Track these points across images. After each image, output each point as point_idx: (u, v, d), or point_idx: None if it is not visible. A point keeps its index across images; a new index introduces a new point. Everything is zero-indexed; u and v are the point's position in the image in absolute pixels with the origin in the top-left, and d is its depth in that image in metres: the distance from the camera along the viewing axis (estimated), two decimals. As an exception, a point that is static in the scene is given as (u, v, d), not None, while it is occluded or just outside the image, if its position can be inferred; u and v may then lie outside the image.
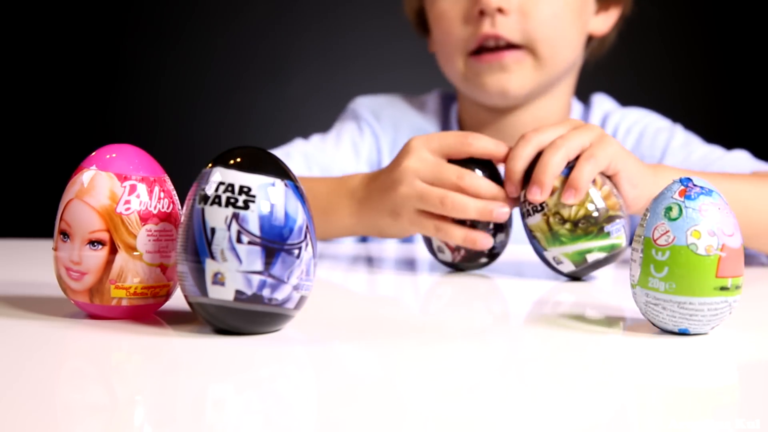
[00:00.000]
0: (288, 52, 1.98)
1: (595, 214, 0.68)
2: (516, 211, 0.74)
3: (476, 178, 0.71)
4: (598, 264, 0.69)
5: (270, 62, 1.97)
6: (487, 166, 0.73)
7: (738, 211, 0.77)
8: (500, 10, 0.91)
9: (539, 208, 0.69)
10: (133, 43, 1.95)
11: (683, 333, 0.50)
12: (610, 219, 0.68)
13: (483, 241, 0.72)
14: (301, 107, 1.97)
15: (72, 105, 1.94)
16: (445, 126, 1.07)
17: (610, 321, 0.56)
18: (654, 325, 0.51)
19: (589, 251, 0.68)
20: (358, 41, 1.97)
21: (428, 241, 0.76)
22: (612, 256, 0.69)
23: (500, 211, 0.70)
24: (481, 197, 0.71)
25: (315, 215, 0.80)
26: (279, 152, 1.00)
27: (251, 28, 1.97)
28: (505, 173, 0.71)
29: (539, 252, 0.71)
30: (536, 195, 0.68)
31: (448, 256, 0.74)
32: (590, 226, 0.68)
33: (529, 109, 0.99)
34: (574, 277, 0.71)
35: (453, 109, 1.07)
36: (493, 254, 0.74)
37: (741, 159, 0.96)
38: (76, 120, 1.93)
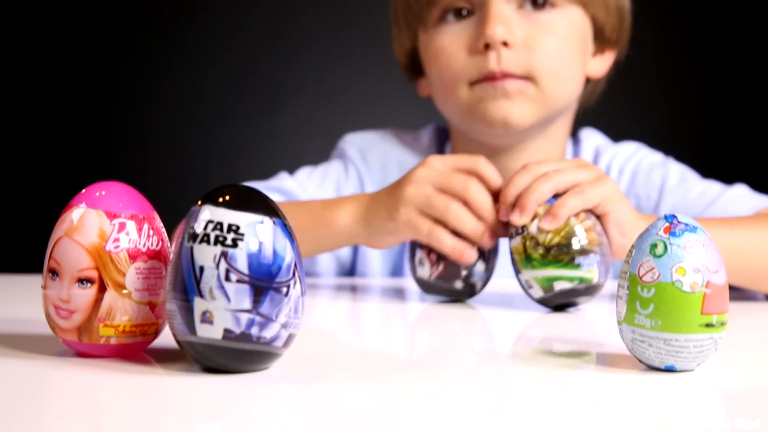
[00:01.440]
0: (279, 84, 1.99)
1: (570, 244, 0.70)
2: (502, 244, 0.75)
3: (481, 190, 0.75)
4: (566, 294, 0.71)
5: (261, 95, 1.98)
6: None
7: (739, 257, 0.78)
8: (505, 44, 0.91)
9: (521, 231, 0.71)
10: (123, 77, 1.96)
11: (670, 370, 0.50)
12: (584, 252, 0.70)
13: (469, 254, 0.75)
14: (292, 139, 1.97)
15: (62, 139, 1.94)
16: None
17: (597, 357, 0.56)
18: (641, 361, 0.51)
19: (556, 279, 0.70)
20: (349, 74, 1.99)
21: (412, 252, 0.78)
22: (582, 289, 0.70)
23: (468, 252, 0.75)
24: (480, 212, 0.74)
25: (310, 222, 0.82)
26: (260, 185, 1.00)
27: (242, 61, 1.98)
28: (500, 196, 0.74)
29: (516, 274, 0.73)
30: (515, 216, 0.71)
31: (426, 270, 0.76)
32: (561, 254, 0.70)
33: (526, 149, 0.99)
34: (546, 305, 0.73)
35: (447, 145, 1.07)
36: (469, 283, 0.76)
37: (741, 196, 0.95)
38: (65, 154, 1.94)
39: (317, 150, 1.97)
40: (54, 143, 1.94)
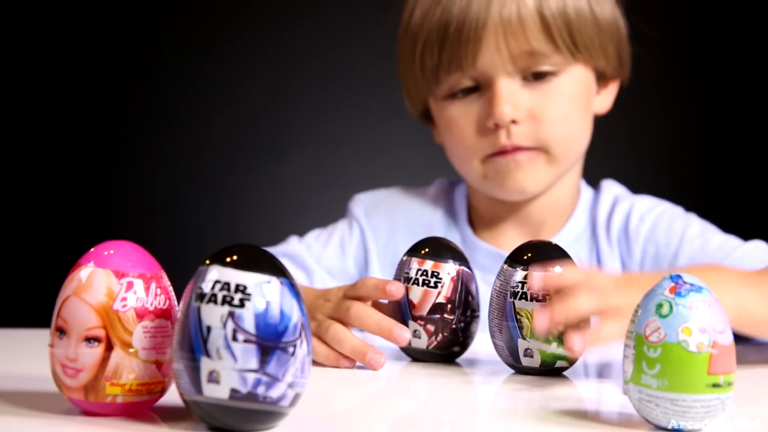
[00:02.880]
0: (283, 132, 2.00)
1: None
2: (484, 294, 0.73)
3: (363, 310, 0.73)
4: (556, 371, 0.69)
5: (264, 145, 1.99)
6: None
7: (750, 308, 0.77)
8: (513, 121, 0.94)
9: (541, 298, 0.67)
10: (126, 132, 1.97)
11: (677, 430, 0.50)
12: None
13: (398, 332, 0.71)
14: (297, 189, 1.98)
15: (67, 194, 1.95)
16: (451, 215, 1.07)
17: (604, 417, 0.56)
18: (648, 421, 0.51)
19: (561, 358, 0.67)
20: (354, 121, 2.00)
21: (402, 324, 0.73)
22: (569, 366, 0.69)
23: (372, 357, 0.70)
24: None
25: None
26: (269, 251, 1.02)
27: (245, 111, 2.00)
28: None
29: (512, 338, 0.68)
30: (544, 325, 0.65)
31: (423, 342, 0.73)
32: None
33: (541, 196, 1.01)
34: (529, 373, 0.69)
35: (459, 197, 1.08)
36: (465, 343, 0.74)
37: (759, 249, 0.96)
38: (72, 208, 1.94)
39: (322, 199, 1.98)
40: (60, 198, 1.95)
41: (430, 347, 0.73)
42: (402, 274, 0.74)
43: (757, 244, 0.97)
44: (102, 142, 1.97)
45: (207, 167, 1.99)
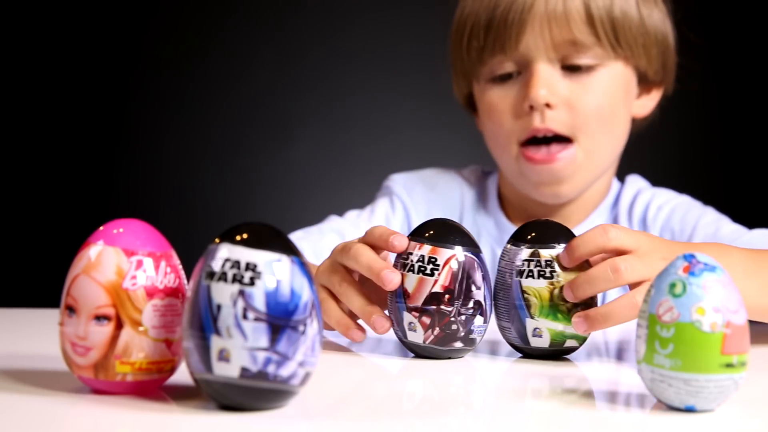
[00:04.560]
0: (292, 114, 2.00)
1: (595, 303, 0.65)
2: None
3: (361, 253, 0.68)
4: (566, 351, 0.67)
5: (273, 124, 1.99)
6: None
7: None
8: (548, 105, 0.95)
9: (548, 274, 0.65)
10: (135, 112, 1.97)
11: (690, 410, 0.49)
12: None
13: (377, 319, 0.67)
14: (306, 170, 1.98)
15: (76, 173, 1.95)
16: (482, 200, 1.09)
17: (615, 397, 0.55)
18: (660, 401, 0.50)
19: (571, 336, 0.66)
20: (362, 103, 1.99)
21: (397, 314, 0.67)
22: (579, 347, 0.67)
23: (378, 320, 0.66)
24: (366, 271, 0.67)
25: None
26: (314, 230, 1.02)
27: (254, 90, 1.99)
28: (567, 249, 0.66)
29: (520, 317, 0.66)
30: (565, 261, 0.65)
31: (419, 335, 0.66)
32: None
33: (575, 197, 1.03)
34: (535, 355, 0.67)
35: (491, 184, 1.10)
36: (468, 339, 0.66)
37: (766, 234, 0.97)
38: (80, 187, 1.95)
39: (330, 180, 1.98)
40: (69, 178, 1.95)
41: (427, 342, 0.66)
42: (399, 260, 0.67)
43: (765, 231, 0.98)
44: (110, 124, 1.97)
45: (215, 149, 1.99)
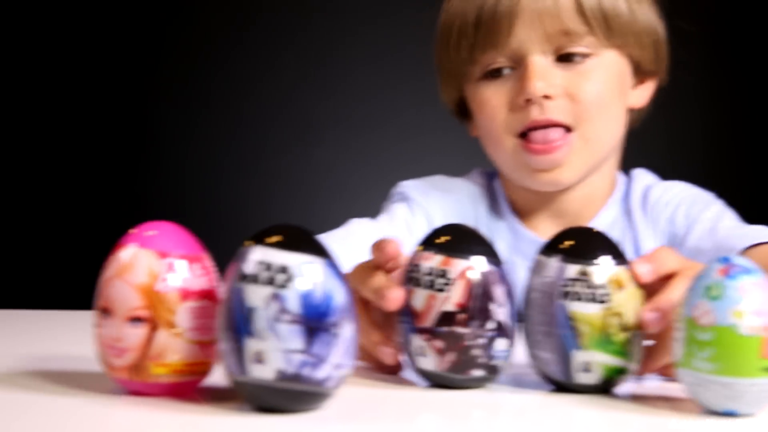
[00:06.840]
0: (316, 115, 2.00)
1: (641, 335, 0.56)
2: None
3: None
4: (611, 386, 0.56)
5: (296, 127, 1.99)
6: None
7: None
8: (546, 97, 0.93)
9: (601, 299, 0.55)
10: (161, 115, 1.99)
11: (730, 414, 0.49)
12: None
13: (384, 353, 0.60)
14: (330, 171, 1.98)
15: (105, 179, 1.97)
16: (493, 205, 1.07)
17: (655, 401, 0.55)
18: (700, 404, 0.50)
19: (624, 371, 0.56)
20: (387, 104, 1.99)
21: (405, 338, 0.58)
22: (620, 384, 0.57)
23: (393, 296, 0.57)
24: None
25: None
26: (339, 233, 1.00)
27: (279, 92, 2.00)
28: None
29: (564, 349, 0.55)
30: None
31: (430, 361, 0.56)
32: (635, 344, 0.56)
33: (578, 187, 1.00)
34: (575, 389, 0.56)
35: (498, 187, 1.08)
36: (490, 366, 0.57)
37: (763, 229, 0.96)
38: (109, 192, 1.97)
39: (354, 182, 1.98)
40: (99, 182, 1.97)
41: (441, 370, 0.56)
42: (406, 274, 0.58)
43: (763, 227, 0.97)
44: (138, 129, 1.99)
45: (240, 151, 2.00)
